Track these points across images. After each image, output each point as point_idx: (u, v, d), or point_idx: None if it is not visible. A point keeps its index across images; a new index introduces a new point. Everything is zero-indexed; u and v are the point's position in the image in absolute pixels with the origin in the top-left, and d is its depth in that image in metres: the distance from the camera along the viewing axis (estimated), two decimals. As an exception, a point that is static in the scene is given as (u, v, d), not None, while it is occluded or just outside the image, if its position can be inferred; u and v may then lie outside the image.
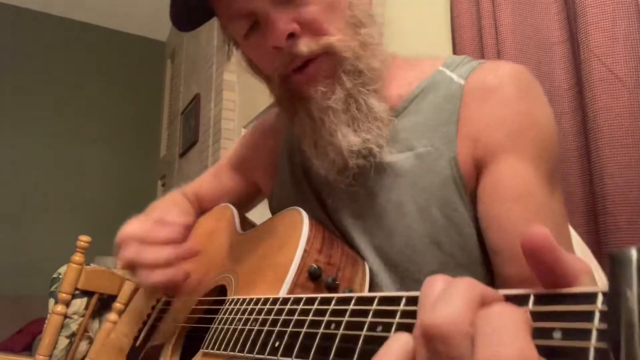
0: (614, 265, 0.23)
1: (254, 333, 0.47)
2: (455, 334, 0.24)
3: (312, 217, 0.60)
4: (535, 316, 0.26)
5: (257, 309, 0.50)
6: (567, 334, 0.24)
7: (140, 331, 0.78)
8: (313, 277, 0.53)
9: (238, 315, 0.52)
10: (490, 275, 0.58)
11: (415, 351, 0.26)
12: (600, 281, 0.28)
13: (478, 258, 0.59)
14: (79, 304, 1.63)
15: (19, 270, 3.76)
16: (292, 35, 0.57)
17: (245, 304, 0.53)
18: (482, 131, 0.58)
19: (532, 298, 0.27)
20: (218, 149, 3.10)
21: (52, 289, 1.77)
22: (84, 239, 1.45)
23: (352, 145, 0.58)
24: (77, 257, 1.42)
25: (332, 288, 0.54)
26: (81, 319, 1.62)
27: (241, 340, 0.48)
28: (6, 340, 3.04)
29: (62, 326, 1.39)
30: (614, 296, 0.23)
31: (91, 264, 1.65)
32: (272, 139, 0.81)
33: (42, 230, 3.97)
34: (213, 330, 0.56)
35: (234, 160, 0.88)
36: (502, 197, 0.55)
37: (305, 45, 0.58)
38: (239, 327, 0.50)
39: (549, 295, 0.26)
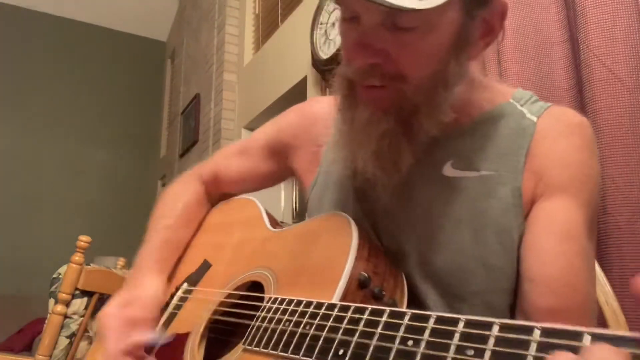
0: None
1: (309, 337, 0.46)
2: None
3: (354, 220, 0.60)
4: None
5: (309, 312, 0.49)
6: None
7: (159, 317, 0.77)
8: (362, 285, 0.53)
9: (286, 316, 0.52)
10: (515, 301, 0.61)
11: None
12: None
13: (514, 285, 0.61)
14: (79, 304, 1.63)
15: (19, 270, 3.76)
16: (374, 64, 0.57)
17: (293, 305, 0.52)
18: (547, 169, 0.61)
19: None
20: (218, 149, 3.09)
21: (52, 289, 1.77)
22: (84, 239, 1.45)
23: (364, 171, 0.61)
24: (77, 257, 1.42)
25: (379, 297, 0.54)
26: (81, 319, 1.62)
27: (294, 342, 0.48)
28: (6, 340, 3.04)
29: (62, 326, 1.39)
30: None
31: (91, 264, 1.65)
32: (315, 129, 0.78)
33: (42, 230, 3.97)
34: (255, 328, 0.55)
35: (270, 143, 0.83)
36: (552, 232, 0.58)
37: (378, 81, 0.58)
38: (289, 328, 0.50)
39: None
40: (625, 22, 1.03)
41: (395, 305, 0.55)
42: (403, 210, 0.65)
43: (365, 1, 0.51)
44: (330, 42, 2.06)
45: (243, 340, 0.56)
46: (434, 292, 0.61)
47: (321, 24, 2.14)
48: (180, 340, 0.69)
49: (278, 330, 0.51)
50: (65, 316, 1.41)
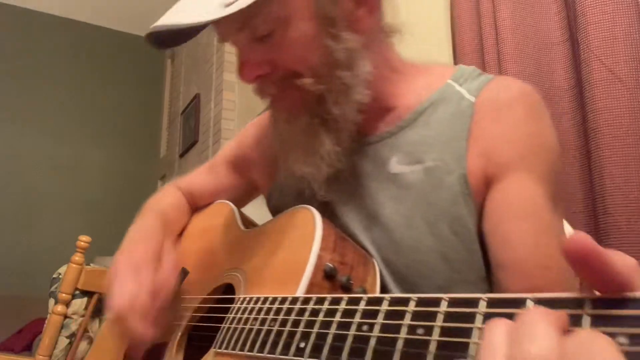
0: None
1: (273, 333, 0.46)
2: None
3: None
4: (596, 320, 0.25)
5: (274, 309, 0.49)
6: (634, 339, 0.23)
7: None
8: (328, 276, 0.53)
9: (253, 315, 0.51)
10: (490, 291, 0.59)
11: None
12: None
13: (482, 274, 0.59)
14: (79, 304, 1.63)
15: (19, 270, 3.76)
16: (260, 76, 0.60)
17: (260, 302, 0.52)
18: (493, 149, 0.59)
19: (588, 302, 0.26)
20: (218, 149, 3.10)
21: (52, 289, 1.77)
22: (84, 239, 1.45)
23: (299, 172, 0.62)
24: (77, 257, 1.42)
25: (347, 287, 0.53)
26: (81, 319, 1.62)
27: (260, 340, 0.47)
28: (6, 340, 3.03)
29: (62, 326, 1.39)
30: None
31: (91, 264, 1.65)
32: (271, 141, 0.80)
33: (42, 230, 3.97)
34: (225, 330, 0.55)
35: (231, 158, 0.86)
36: (511, 214, 0.56)
37: (273, 87, 0.61)
38: (256, 326, 0.49)
39: (607, 299, 0.26)
40: (625, 22, 1.03)
41: (365, 293, 0.54)
42: (357, 214, 0.65)
43: (218, 26, 0.59)
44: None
45: (214, 344, 0.56)
46: (399, 289, 0.61)
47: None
48: (158, 350, 0.69)
49: (245, 330, 0.51)
50: (65, 316, 1.40)
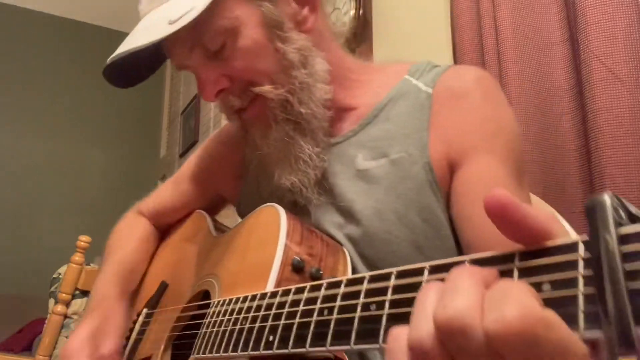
0: (590, 213, 0.24)
1: (245, 331, 0.47)
2: (473, 325, 0.24)
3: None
4: (523, 272, 0.27)
5: (245, 307, 0.49)
6: (556, 285, 0.25)
7: (124, 346, 0.77)
8: (297, 269, 0.53)
9: (226, 317, 0.52)
10: None
11: (419, 351, 0.26)
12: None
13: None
14: (79, 304, 1.63)
15: (19, 270, 3.76)
16: (222, 90, 0.62)
17: (232, 304, 0.53)
18: (453, 135, 0.61)
19: (517, 255, 0.27)
20: (218, 149, 3.10)
21: (52, 289, 1.77)
22: (84, 239, 1.45)
23: (286, 183, 0.63)
24: (77, 257, 1.42)
25: (317, 278, 0.54)
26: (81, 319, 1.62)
27: (233, 340, 0.48)
28: (6, 340, 3.03)
29: (62, 326, 1.39)
30: (595, 243, 0.24)
31: (91, 264, 1.65)
32: (234, 149, 0.82)
33: (42, 230, 3.97)
34: (202, 335, 0.55)
35: (194, 172, 0.88)
36: (474, 196, 0.58)
37: (236, 99, 0.62)
38: (229, 327, 0.50)
39: (532, 251, 0.27)
40: (625, 22, 1.03)
41: None
42: (330, 213, 0.66)
43: (172, 52, 0.61)
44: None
45: (192, 351, 0.56)
46: None
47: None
48: None
49: (220, 333, 0.51)
50: (66, 316, 1.40)
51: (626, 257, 0.23)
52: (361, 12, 1.81)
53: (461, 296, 0.25)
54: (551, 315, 0.23)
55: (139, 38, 0.60)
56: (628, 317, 0.22)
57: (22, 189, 4.02)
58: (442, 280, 0.29)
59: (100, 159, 4.40)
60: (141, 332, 0.77)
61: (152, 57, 0.66)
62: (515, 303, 0.23)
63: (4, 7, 4.21)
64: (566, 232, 0.27)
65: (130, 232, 0.90)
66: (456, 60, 1.42)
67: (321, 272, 0.55)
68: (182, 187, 0.89)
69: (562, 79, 1.17)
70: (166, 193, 0.91)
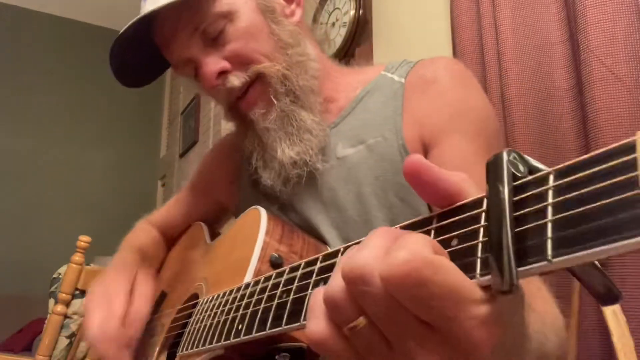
0: (489, 168, 0.26)
1: (220, 323, 0.49)
2: (371, 271, 0.26)
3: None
4: (438, 232, 0.28)
5: (222, 301, 0.52)
6: (462, 239, 0.27)
7: None
8: (275, 265, 0.55)
9: (207, 312, 0.54)
10: None
11: (331, 302, 0.28)
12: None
13: None
14: (79, 304, 1.63)
15: (19, 270, 3.76)
16: (223, 73, 0.66)
17: (212, 300, 0.55)
18: (425, 117, 0.64)
19: (435, 218, 0.30)
20: (218, 149, 3.10)
21: (52, 289, 1.77)
22: (84, 239, 1.45)
23: (291, 158, 0.66)
24: (77, 257, 1.42)
25: None
26: (81, 319, 1.62)
27: (211, 333, 0.50)
28: (6, 340, 3.03)
29: (62, 326, 1.39)
30: (491, 194, 0.26)
31: (91, 264, 1.65)
32: (231, 158, 0.86)
33: (42, 230, 3.97)
34: (187, 334, 0.58)
35: (195, 185, 0.93)
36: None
37: (236, 79, 0.66)
38: (208, 322, 0.52)
39: (447, 212, 0.29)
40: (625, 22, 1.03)
41: None
42: (315, 202, 0.69)
43: (172, 43, 0.66)
44: (331, 42, 2.06)
45: (178, 348, 0.58)
46: None
47: (321, 24, 2.14)
48: None
49: (201, 328, 0.54)
50: (65, 316, 1.40)
51: (517, 204, 0.24)
52: (361, 12, 1.82)
53: (366, 249, 0.27)
54: (440, 259, 0.25)
55: (148, 7, 0.65)
56: (510, 256, 0.23)
57: (22, 189, 4.02)
58: None
59: (100, 159, 4.40)
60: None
61: (155, 60, 0.72)
62: (405, 249, 0.25)
63: (4, 7, 4.21)
64: (479, 191, 0.28)
65: (142, 235, 0.93)
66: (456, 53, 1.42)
67: None
68: (185, 202, 0.93)
69: (562, 79, 1.17)
70: (171, 210, 0.96)
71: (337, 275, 0.28)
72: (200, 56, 0.66)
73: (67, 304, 1.40)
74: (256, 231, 0.58)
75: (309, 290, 0.36)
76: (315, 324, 0.28)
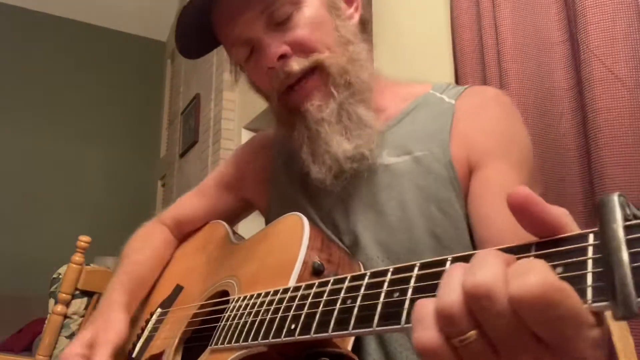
0: (601, 207, 0.29)
1: (266, 322, 0.49)
2: (498, 290, 0.27)
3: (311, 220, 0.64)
4: (540, 258, 0.30)
5: (267, 301, 0.51)
6: (568, 267, 0.29)
7: (135, 344, 0.78)
8: (316, 272, 0.56)
9: (247, 310, 0.54)
10: None
11: (447, 315, 0.29)
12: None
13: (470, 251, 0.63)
14: (79, 304, 1.63)
15: (19, 270, 3.76)
16: (283, 56, 0.66)
17: (252, 298, 0.55)
18: (474, 140, 0.67)
19: (534, 246, 0.31)
20: (218, 149, 3.10)
21: (52, 289, 1.77)
22: (84, 239, 1.44)
23: (347, 152, 0.66)
24: (77, 257, 1.42)
25: None
26: (81, 319, 1.62)
27: (254, 330, 0.50)
28: (6, 340, 3.04)
29: (62, 326, 1.39)
30: (603, 230, 0.28)
31: (91, 264, 1.65)
32: (262, 157, 0.86)
33: (42, 230, 3.97)
34: (221, 328, 0.57)
35: (223, 179, 0.91)
36: (491, 196, 0.63)
37: (296, 64, 0.66)
38: (250, 319, 0.52)
39: (547, 242, 0.31)
40: (625, 22, 1.03)
41: None
42: (353, 201, 0.70)
43: (238, 19, 0.66)
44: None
45: (210, 342, 0.58)
46: None
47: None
48: (156, 359, 0.70)
49: (240, 324, 0.53)
50: (65, 316, 1.40)
51: (629, 242, 0.27)
52: (361, 12, 1.81)
53: (488, 267, 0.28)
54: (567, 285, 0.27)
55: None
56: (631, 288, 0.26)
57: (22, 189, 4.03)
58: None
59: (100, 158, 4.40)
60: (154, 330, 0.78)
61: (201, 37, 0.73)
62: (537, 273, 0.26)
63: (4, 7, 4.21)
64: (577, 227, 0.31)
65: (146, 239, 0.92)
66: (456, 60, 1.42)
67: None
68: (209, 194, 0.91)
69: (562, 79, 1.17)
70: (190, 202, 0.94)
71: (454, 290, 0.29)
72: (263, 37, 0.66)
73: (67, 304, 1.40)
74: (299, 237, 0.59)
75: (380, 299, 0.37)
76: (426, 334, 0.30)
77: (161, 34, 4.89)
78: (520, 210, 0.30)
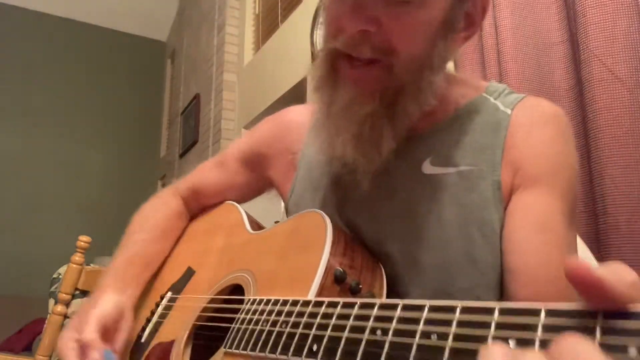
0: None
1: (285, 335, 0.46)
2: None
3: (332, 219, 0.59)
4: (607, 332, 0.26)
5: (286, 310, 0.49)
6: None
7: (143, 328, 0.78)
8: (338, 280, 0.53)
9: (264, 316, 0.52)
10: (500, 296, 0.60)
11: None
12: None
13: (500, 279, 0.60)
14: (79, 304, 1.63)
15: (19, 270, 3.76)
16: (366, 31, 0.56)
17: (270, 304, 0.52)
18: (522, 160, 0.61)
19: (601, 314, 0.27)
20: (218, 149, 3.10)
21: (52, 289, 1.77)
22: (84, 239, 1.44)
23: (344, 156, 0.60)
24: (77, 257, 1.42)
25: (356, 291, 0.54)
26: (81, 319, 1.61)
27: (272, 341, 0.48)
28: (6, 340, 3.04)
29: (62, 326, 1.39)
30: None
31: (91, 264, 1.65)
32: (290, 137, 0.79)
33: (42, 230, 3.97)
34: (235, 330, 0.55)
35: (245, 154, 0.84)
36: (529, 224, 0.58)
37: (370, 51, 0.57)
38: (267, 327, 0.50)
39: (617, 312, 0.26)
40: (625, 22, 1.03)
41: (373, 297, 0.55)
42: (384, 205, 0.65)
43: None
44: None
45: (224, 343, 0.56)
46: (420, 291, 0.61)
47: (321, 24, 2.14)
48: (165, 348, 0.69)
49: (257, 331, 0.51)
50: (66, 316, 1.40)
51: None
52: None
53: (530, 355, 0.25)
54: None
55: None
56: None
57: (22, 189, 4.03)
58: (514, 325, 0.30)
59: (100, 159, 4.40)
60: (163, 316, 0.77)
61: None
62: None
63: (4, 7, 4.21)
64: None
65: (156, 214, 0.88)
66: (456, 60, 1.42)
67: (360, 286, 0.55)
68: (228, 167, 0.86)
69: (562, 79, 1.17)
70: (209, 173, 0.88)
71: None
72: (369, 2, 0.56)
73: (67, 304, 1.40)
74: (321, 240, 0.56)
75: (416, 339, 0.35)
76: None
77: (161, 34, 4.89)
78: (580, 285, 0.27)
